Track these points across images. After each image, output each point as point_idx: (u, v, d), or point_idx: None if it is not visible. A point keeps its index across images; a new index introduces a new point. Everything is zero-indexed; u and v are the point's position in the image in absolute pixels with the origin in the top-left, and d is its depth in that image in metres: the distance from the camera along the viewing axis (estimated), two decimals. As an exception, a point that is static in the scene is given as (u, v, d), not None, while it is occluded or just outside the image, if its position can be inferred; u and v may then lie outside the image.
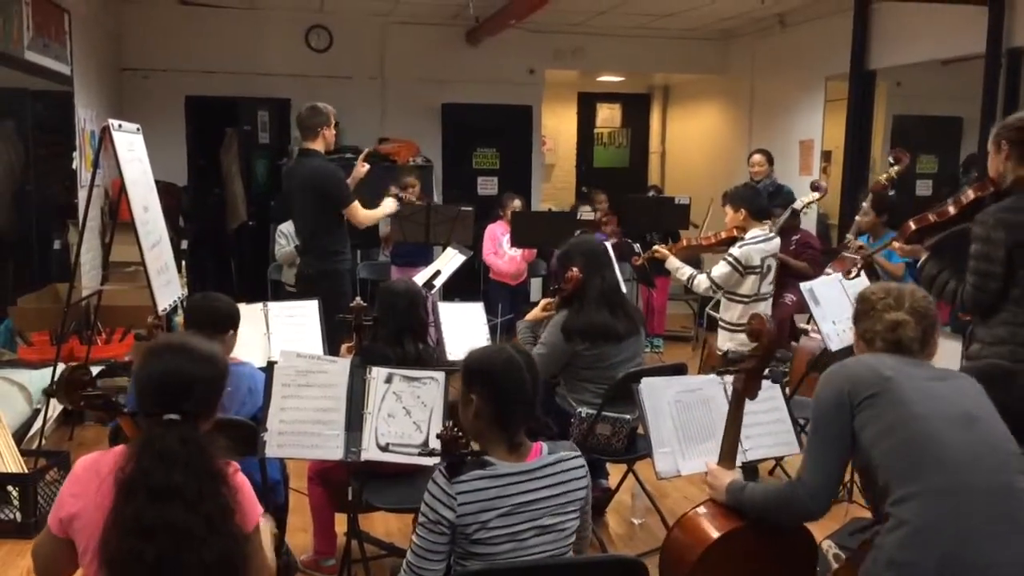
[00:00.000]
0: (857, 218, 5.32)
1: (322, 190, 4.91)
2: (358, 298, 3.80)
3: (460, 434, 2.14)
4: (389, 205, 5.38)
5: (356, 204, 4.96)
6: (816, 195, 5.65)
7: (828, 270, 5.03)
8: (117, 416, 2.28)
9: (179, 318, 5.33)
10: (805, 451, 2.29)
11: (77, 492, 1.94)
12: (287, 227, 6.60)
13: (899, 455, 2.09)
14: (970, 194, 3.26)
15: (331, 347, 4.01)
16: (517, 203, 6.81)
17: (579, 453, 2.27)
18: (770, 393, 3.23)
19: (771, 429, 3.14)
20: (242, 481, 2.01)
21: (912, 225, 3.41)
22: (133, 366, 5.40)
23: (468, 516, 2.08)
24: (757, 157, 6.67)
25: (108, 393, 2.32)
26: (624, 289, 4.14)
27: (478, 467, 2.12)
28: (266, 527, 2.11)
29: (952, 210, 3.28)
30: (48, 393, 4.67)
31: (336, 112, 5.02)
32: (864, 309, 2.40)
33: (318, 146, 4.96)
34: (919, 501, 2.03)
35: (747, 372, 2.57)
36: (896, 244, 3.47)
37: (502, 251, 6.83)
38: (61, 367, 4.71)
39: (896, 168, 5.03)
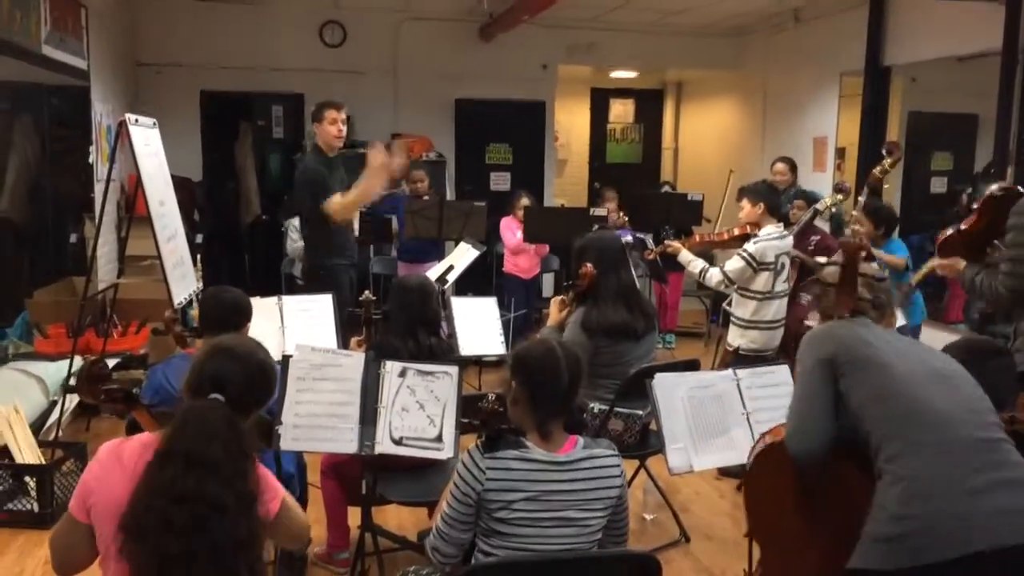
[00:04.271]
0: (854, 227, 5.30)
1: (300, 189, 4.90)
2: (367, 292, 3.82)
3: (501, 409, 2.19)
4: (373, 163, 4.72)
5: (329, 201, 4.69)
6: (840, 197, 5.63)
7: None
8: (134, 409, 2.30)
9: (194, 311, 5.37)
10: (791, 404, 2.39)
11: (100, 476, 1.97)
12: (298, 222, 6.63)
13: (888, 416, 2.18)
14: (980, 200, 3.30)
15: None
16: (525, 200, 6.81)
17: (615, 452, 2.30)
18: (783, 390, 3.24)
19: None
20: (262, 470, 2.05)
21: (938, 245, 3.47)
22: (149, 359, 5.46)
23: (494, 492, 2.13)
24: (780, 166, 6.58)
25: (127, 386, 2.36)
26: (638, 285, 4.15)
27: (513, 447, 2.17)
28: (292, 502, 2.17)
29: (975, 217, 3.32)
30: (67, 388, 4.72)
31: (341, 105, 4.89)
32: (823, 290, 2.54)
33: (317, 141, 4.92)
34: (912, 457, 2.12)
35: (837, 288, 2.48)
36: (936, 263, 3.53)
37: (514, 243, 6.86)
38: (78, 360, 4.76)
39: (889, 160, 5.04)
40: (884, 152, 5.15)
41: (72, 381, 4.67)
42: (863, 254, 2.52)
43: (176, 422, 1.93)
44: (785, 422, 2.42)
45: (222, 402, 1.97)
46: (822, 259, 2.73)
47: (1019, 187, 3.26)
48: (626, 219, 7.05)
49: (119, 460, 1.96)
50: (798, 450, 2.32)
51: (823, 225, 6.11)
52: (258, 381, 2.08)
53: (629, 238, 5.97)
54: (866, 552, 2.13)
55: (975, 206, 3.33)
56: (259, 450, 2.07)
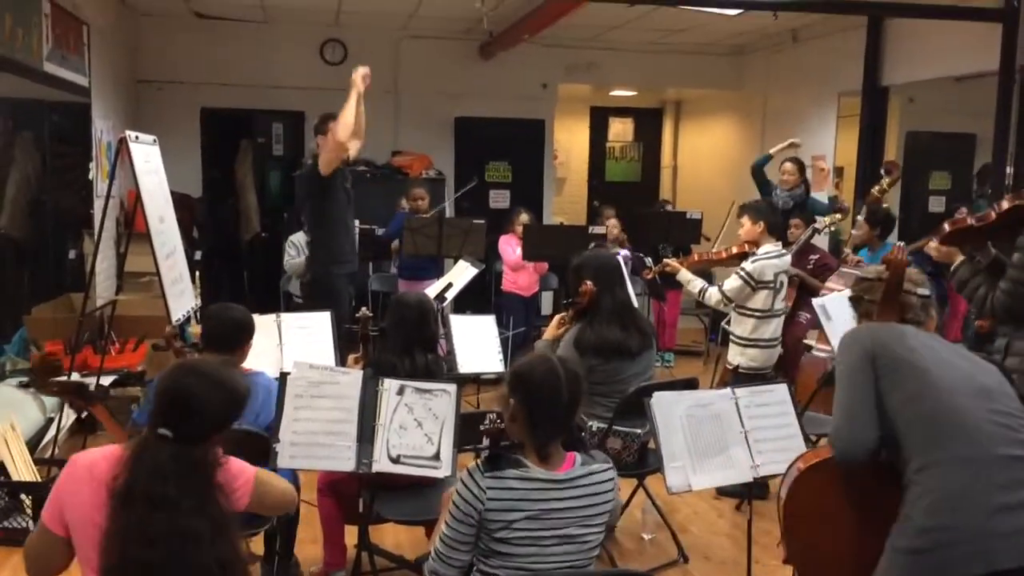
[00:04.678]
0: (853, 232, 5.33)
1: (303, 188, 4.99)
2: (364, 308, 3.82)
3: (504, 428, 2.19)
4: (356, 80, 4.98)
5: (328, 130, 4.84)
6: (838, 216, 5.64)
7: (830, 284, 5.03)
8: (90, 404, 2.30)
9: (192, 328, 5.36)
10: (835, 402, 2.34)
11: (72, 490, 1.97)
12: (297, 238, 6.63)
13: (924, 424, 2.16)
14: (1005, 203, 3.29)
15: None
16: (525, 217, 6.82)
17: (610, 465, 2.29)
18: (781, 409, 3.24)
19: (783, 445, 3.14)
20: (228, 463, 2.06)
21: (947, 227, 3.42)
22: (147, 375, 5.45)
23: (495, 512, 2.11)
24: (788, 165, 6.56)
25: (79, 381, 2.36)
26: (636, 303, 4.14)
27: (513, 465, 2.15)
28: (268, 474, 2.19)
29: (992, 215, 3.31)
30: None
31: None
32: (864, 289, 2.51)
33: (319, 153, 4.99)
34: (945, 469, 2.10)
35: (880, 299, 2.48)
36: (932, 244, 3.47)
37: (513, 259, 6.87)
38: (75, 377, 4.74)
39: (887, 180, 5.06)
40: (883, 172, 5.17)
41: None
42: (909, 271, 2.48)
43: (128, 460, 1.92)
44: (809, 450, 2.41)
45: (168, 438, 1.94)
46: (869, 272, 2.66)
47: None
48: (625, 236, 7.07)
49: (89, 471, 1.97)
50: (843, 449, 2.27)
51: (820, 239, 6.12)
52: (219, 406, 2.03)
53: (626, 252, 5.98)
54: (891, 563, 2.13)
55: (1004, 204, 3.29)
56: (220, 463, 2.04)
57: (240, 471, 2.09)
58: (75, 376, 4.78)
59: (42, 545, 2.02)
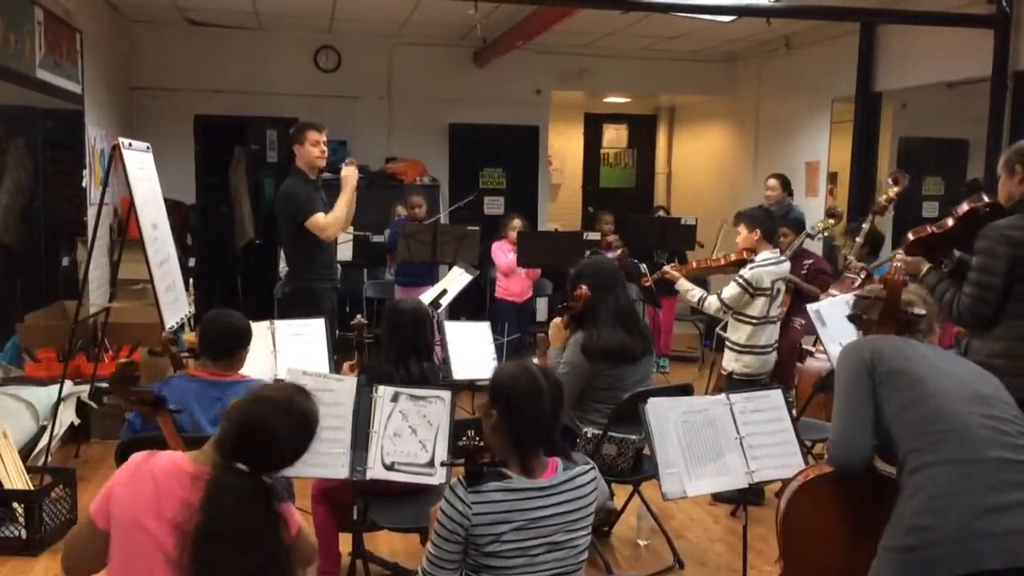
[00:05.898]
0: (858, 239, 5.32)
1: (282, 210, 4.85)
2: (359, 316, 3.81)
3: (483, 444, 2.16)
4: (350, 178, 4.79)
5: (315, 216, 4.67)
6: (831, 221, 5.64)
7: (832, 291, 5.03)
8: (160, 415, 2.32)
9: (186, 335, 5.35)
10: (833, 412, 2.38)
11: (130, 487, 1.94)
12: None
13: (916, 430, 2.19)
14: (964, 207, 3.34)
15: None
16: (518, 223, 6.81)
17: (591, 466, 2.28)
18: (776, 414, 3.24)
19: (778, 451, 3.14)
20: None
21: (911, 236, 3.47)
22: (141, 382, 5.43)
23: (482, 527, 2.09)
24: (772, 181, 6.59)
25: (160, 394, 2.44)
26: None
27: (496, 478, 2.13)
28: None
29: (950, 222, 3.36)
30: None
31: (322, 127, 4.87)
32: (863, 308, 2.53)
33: (298, 164, 4.85)
34: (935, 470, 2.13)
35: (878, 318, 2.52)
36: (899, 256, 3.51)
37: (505, 263, 6.86)
38: (68, 385, 4.72)
39: (895, 189, 5.06)
40: (890, 181, 5.16)
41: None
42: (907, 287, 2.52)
43: (208, 497, 1.89)
44: (810, 465, 2.42)
45: (247, 473, 1.92)
46: (867, 291, 2.70)
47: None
48: (623, 243, 7.07)
49: (152, 476, 1.94)
50: (841, 458, 2.31)
51: (814, 245, 6.12)
52: (302, 435, 2.03)
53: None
54: (881, 563, 2.14)
55: (962, 209, 3.34)
56: (284, 499, 2.03)
57: (292, 515, 2.06)
58: (68, 384, 4.78)
59: (82, 537, 1.99)
